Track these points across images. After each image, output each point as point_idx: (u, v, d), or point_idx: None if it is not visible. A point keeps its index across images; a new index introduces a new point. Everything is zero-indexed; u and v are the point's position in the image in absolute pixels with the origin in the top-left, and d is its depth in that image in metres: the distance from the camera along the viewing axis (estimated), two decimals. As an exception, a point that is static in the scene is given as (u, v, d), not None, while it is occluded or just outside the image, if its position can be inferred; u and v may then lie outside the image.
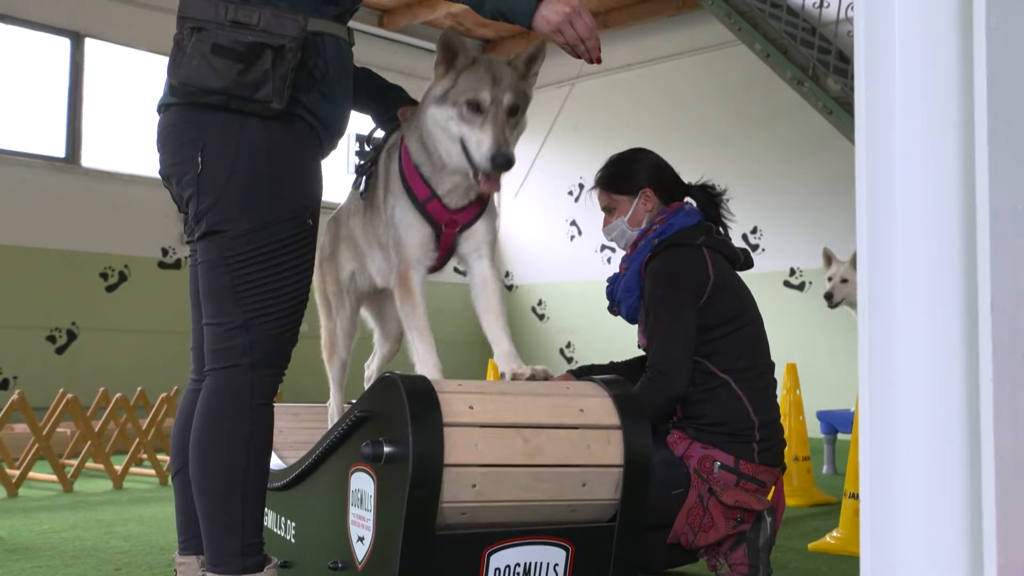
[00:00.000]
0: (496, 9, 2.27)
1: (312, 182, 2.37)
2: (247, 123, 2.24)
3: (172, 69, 2.23)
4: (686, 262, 3.02)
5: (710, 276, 3.00)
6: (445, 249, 2.71)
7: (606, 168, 3.28)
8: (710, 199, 3.27)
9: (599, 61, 2.37)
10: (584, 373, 3.19)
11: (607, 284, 3.31)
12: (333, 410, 3.20)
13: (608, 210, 3.26)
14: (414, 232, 2.65)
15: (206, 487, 2.27)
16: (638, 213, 3.19)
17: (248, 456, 2.26)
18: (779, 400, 3.21)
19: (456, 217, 2.66)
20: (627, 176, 3.23)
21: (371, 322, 3.35)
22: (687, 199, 3.28)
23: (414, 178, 2.64)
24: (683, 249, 3.04)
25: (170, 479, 2.77)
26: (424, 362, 2.59)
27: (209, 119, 2.26)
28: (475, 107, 2.48)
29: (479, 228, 2.72)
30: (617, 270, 3.29)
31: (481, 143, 2.45)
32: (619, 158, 3.29)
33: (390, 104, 2.89)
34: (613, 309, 3.30)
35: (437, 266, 2.77)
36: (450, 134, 2.52)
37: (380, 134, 2.88)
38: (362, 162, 2.88)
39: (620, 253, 3.29)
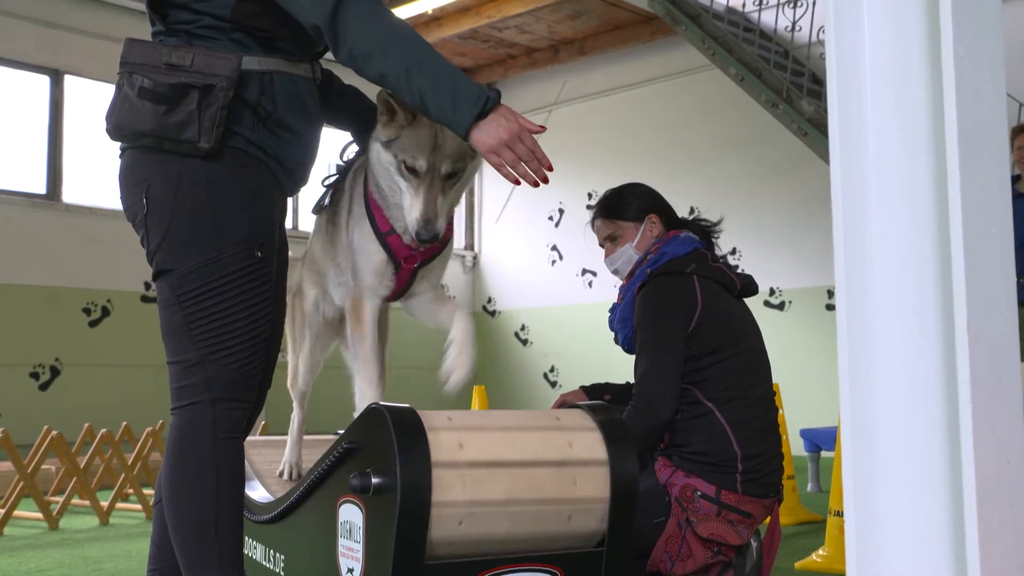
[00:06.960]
0: (438, 118, 2.23)
1: (259, 215, 2.34)
2: (185, 162, 2.26)
3: (107, 114, 2.28)
4: (674, 291, 3.00)
5: (698, 305, 2.98)
6: (401, 284, 2.73)
7: (607, 199, 3.26)
8: (703, 232, 3.29)
9: (544, 181, 2.25)
10: (597, 390, 3.20)
11: (609, 314, 3.30)
12: (294, 426, 3.23)
13: (612, 239, 3.23)
14: (372, 260, 2.68)
15: (180, 524, 2.27)
16: (645, 238, 3.18)
17: (218, 490, 2.25)
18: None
19: (414, 253, 2.67)
20: (631, 202, 3.22)
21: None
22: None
23: (376, 209, 2.66)
24: (672, 278, 3.02)
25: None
26: (363, 396, 2.67)
27: (151, 160, 2.28)
28: (412, 171, 2.50)
29: (436, 269, 2.77)
30: (615, 299, 3.27)
31: (412, 208, 2.50)
32: (618, 188, 3.28)
33: (372, 123, 2.89)
34: (616, 339, 3.29)
35: (392, 297, 2.79)
36: (392, 179, 2.56)
37: (354, 149, 2.86)
38: (333, 174, 2.89)
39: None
